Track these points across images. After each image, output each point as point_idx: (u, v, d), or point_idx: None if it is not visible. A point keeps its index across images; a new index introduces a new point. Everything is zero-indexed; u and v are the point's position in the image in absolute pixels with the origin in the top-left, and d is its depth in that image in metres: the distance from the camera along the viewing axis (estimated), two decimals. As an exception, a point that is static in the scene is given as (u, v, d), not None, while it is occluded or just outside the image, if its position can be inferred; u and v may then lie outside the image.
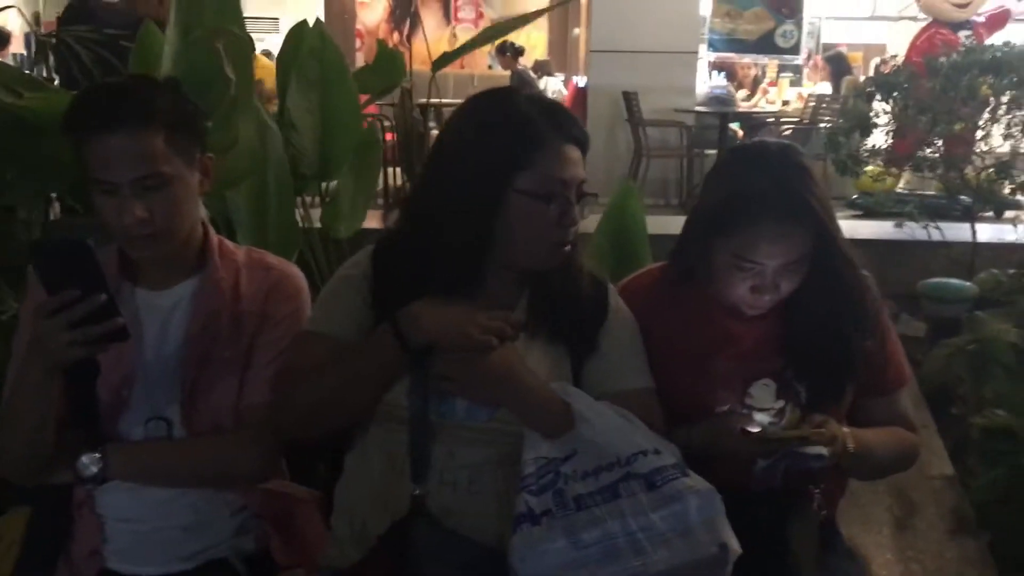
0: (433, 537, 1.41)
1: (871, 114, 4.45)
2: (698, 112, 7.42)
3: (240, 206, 2.34)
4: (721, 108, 7.52)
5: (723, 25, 8.09)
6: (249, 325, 1.62)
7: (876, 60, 8.87)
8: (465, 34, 12.30)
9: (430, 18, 12.45)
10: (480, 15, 12.77)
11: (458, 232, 1.44)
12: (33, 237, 2.51)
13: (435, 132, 3.95)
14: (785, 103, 8.84)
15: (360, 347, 1.45)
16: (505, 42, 9.60)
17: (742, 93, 9.17)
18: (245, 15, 2.33)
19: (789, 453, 1.48)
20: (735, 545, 1.35)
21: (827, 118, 6.70)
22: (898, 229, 4.43)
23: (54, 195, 2.69)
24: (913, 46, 7.07)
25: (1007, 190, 4.43)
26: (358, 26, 12.69)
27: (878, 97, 4.45)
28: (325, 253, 2.61)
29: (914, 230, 4.36)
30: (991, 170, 4.37)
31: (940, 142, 4.42)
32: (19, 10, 4.37)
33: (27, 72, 2.91)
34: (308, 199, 2.81)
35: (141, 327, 1.59)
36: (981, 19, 7.08)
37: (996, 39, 5.13)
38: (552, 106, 1.51)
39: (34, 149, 2.03)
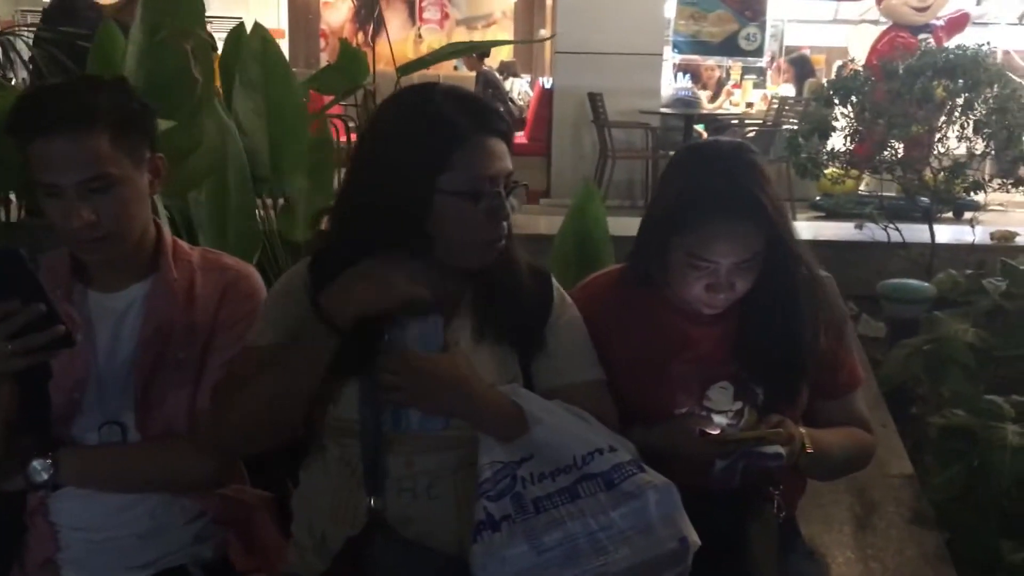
0: (391, 550, 1.39)
1: (830, 117, 4.49)
2: (663, 114, 7.46)
3: (201, 207, 2.32)
4: (686, 110, 7.57)
5: (687, 27, 8.13)
6: (204, 327, 1.60)
7: (838, 63, 8.97)
8: (430, 34, 12.30)
9: (395, 18, 12.41)
10: (445, 16, 12.76)
11: (386, 235, 1.41)
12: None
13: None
14: (749, 105, 8.90)
15: (292, 344, 1.42)
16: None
17: (706, 95, 9.23)
18: (208, 15, 2.30)
19: (747, 453, 1.48)
20: (694, 538, 1.36)
21: (791, 120, 6.76)
22: (858, 230, 4.47)
23: (12, 197, 2.65)
24: (874, 49, 7.15)
25: (960, 190, 4.48)
26: (322, 26, 12.62)
27: (837, 101, 4.49)
28: (286, 255, 2.59)
29: (874, 231, 4.41)
30: (947, 171, 4.43)
31: (898, 145, 4.47)
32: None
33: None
34: (269, 202, 2.78)
35: (94, 330, 1.57)
36: (941, 23, 7.17)
37: (955, 43, 5.20)
38: (472, 100, 1.47)
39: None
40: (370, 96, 3.21)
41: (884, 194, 5.29)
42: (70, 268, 1.58)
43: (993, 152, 4.39)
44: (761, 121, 7.58)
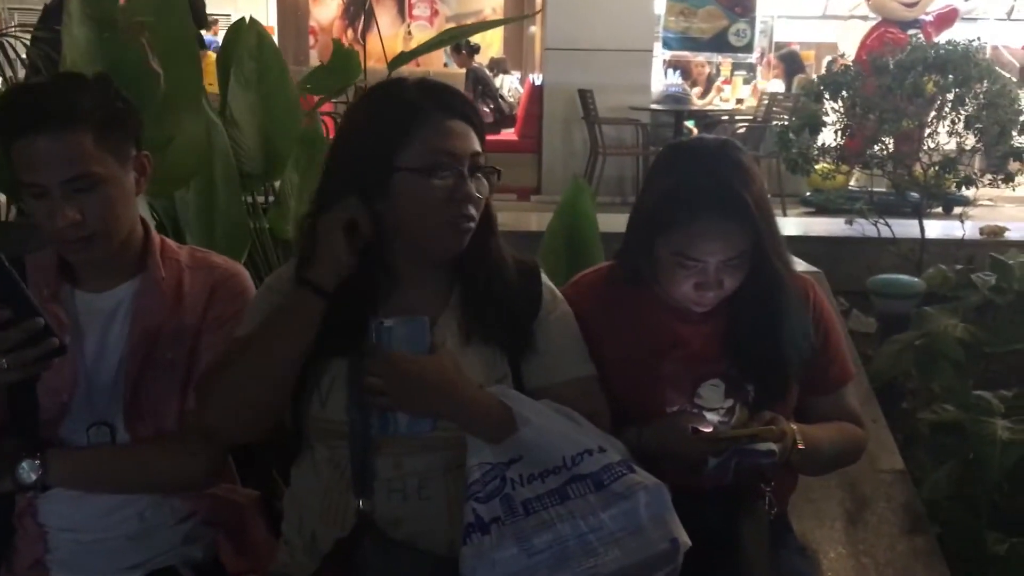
0: (380, 552, 1.38)
1: (820, 113, 4.50)
2: (653, 110, 7.47)
3: (188, 205, 2.30)
4: (676, 106, 7.57)
5: (677, 23, 8.13)
6: (192, 327, 1.59)
7: (828, 58, 8.99)
8: (420, 31, 12.27)
9: (384, 15, 12.38)
10: (435, 12, 12.73)
11: None
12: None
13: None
14: (739, 101, 8.91)
15: (275, 313, 1.42)
16: (460, 40, 9.59)
17: (696, 91, 9.24)
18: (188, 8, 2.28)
19: (739, 450, 1.48)
20: (685, 539, 1.35)
21: (782, 116, 6.77)
22: (848, 226, 4.48)
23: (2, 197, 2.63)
24: (863, 45, 7.17)
25: (952, 185, 4.50)
26: (312, 23, 12.57)
27: (827, 96, 4.49)
28: (276, 253, 2.57)
29: (864, 227, 4.41)
30: (938, 167, 4.44)
31: (889, 140, 4.48)
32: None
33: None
34: (258, 199, 2.77)
35: (81, 330, 1.56)
36: (929, 18, 7.20)
37: (944, 38, 5.21)
38: (438, 86, 1.47)
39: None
40: (361, 93, 3.20)
41: (874, 189, 5.30)
42: (57, 268, 1.57)
43: (983, 147, 4.40)
44: (751, 117, 7.59)
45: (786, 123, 4.87)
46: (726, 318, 1.61)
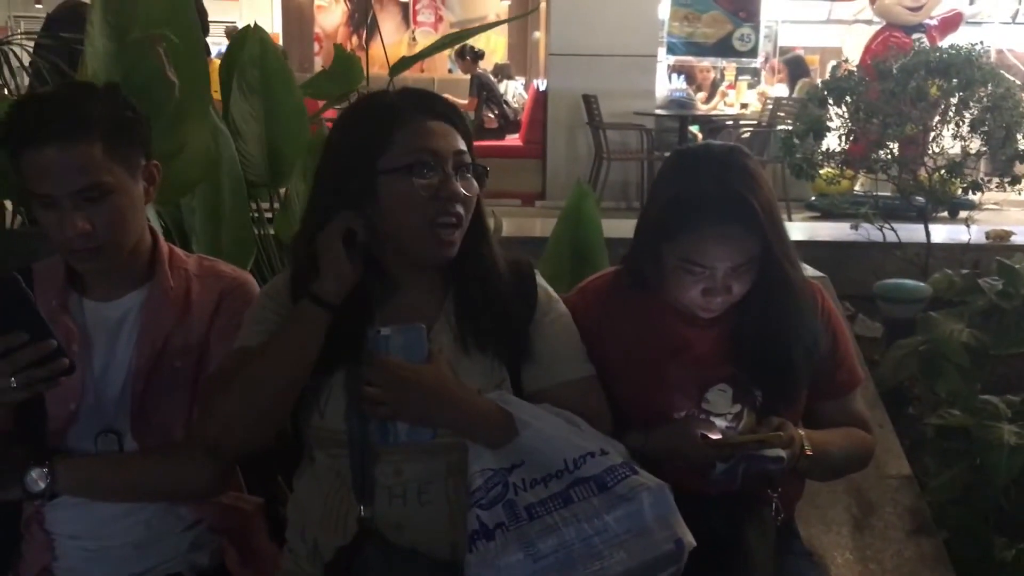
0: (382, 560, 1.38)
1: (825, 117, 4.49)
2: (658, 115, 7.47)
3: (194, 213, 2.31)
4: (680, 111, 7.57)
5: (681, 29, 8.13)
6: (200, 335, 1.59)
7: (832, 63, 8.98)
8: (424, 37, 12.30)
9: (389, 21, 12.42)
10: (439, 18, 12.77)
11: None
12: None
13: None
14: (743, 106, 8.91)
15: (280, 328, 1.42)
16: (465, 46, 9.60)
17: (701, 96, 9.24)
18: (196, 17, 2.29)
19: (747, 456, 1.48)
20: (690, 539, 1.35)
21: (786, 121, 6.76)
22: (854, 231, 4.47)
23: (8, 205, 2.64)
24: (867, 49, 7.16)
25: (959, 190, 4.49)
26: (316, 30, 12.62)
27: (831, 101, 4.49)
28: (281, 260, 2.58)
29: (869, 231, 4.40)
30: (943, 171, 4.43)
31: (894, 144, 4.47)
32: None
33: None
34: (264, 206, 2.78)
35: (90, 339, 1.56)
36: (934, 22, 7.17)
37: (948, 42, 5.20)
38: (418, 91, 1.48)
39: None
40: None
41: (879, 194, 5.29)
42: (65, 277, 1.58)
43: (988, 151, 4.40)
44: (756, 122, 7.59)
45: (790, 128, 4.85)
46: (733, 322, 1.61)
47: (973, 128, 4.29)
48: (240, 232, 2.35)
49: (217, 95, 2.58)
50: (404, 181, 1.38)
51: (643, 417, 1.59)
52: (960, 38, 5.48)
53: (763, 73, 9.68)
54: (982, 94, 4.26)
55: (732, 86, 9.57)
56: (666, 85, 8.62)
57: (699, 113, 8.11)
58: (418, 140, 1.40)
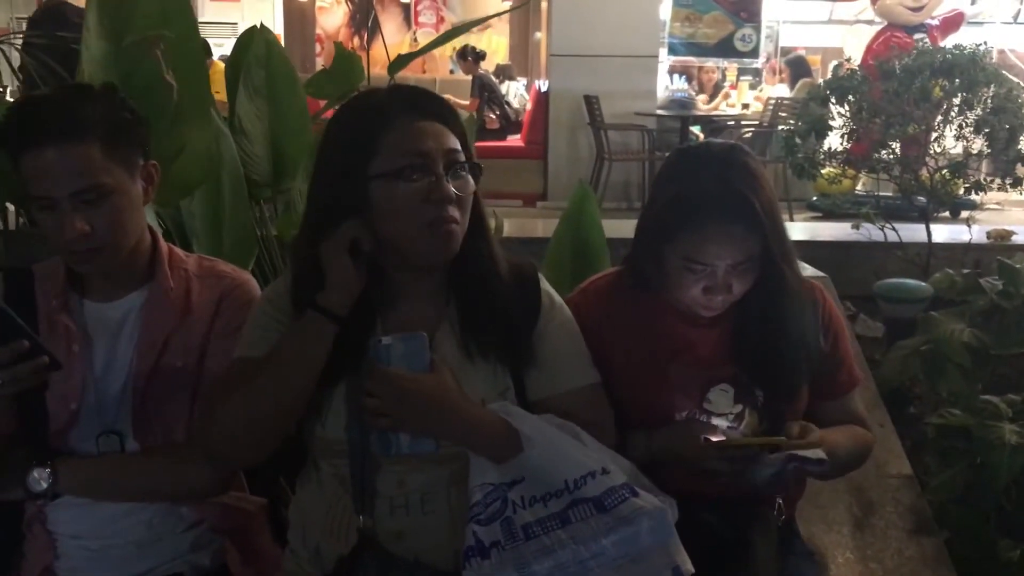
0: (381, 570, 1.37)
1: (827, 117, 4.49)
2: (659, 116, 7.47)
3: (195, 214, 2.31)
4: (681, 111, 7.57)
5: (682, 29, 8.14)
6: (201, 336, 1.59)
7: (834, 63, 8.98)
8: (426, 38, 12.29)
9: (390, 23, 12.43)
10: (441, 19, 12.76)
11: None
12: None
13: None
14: (745, 106, 8.91)
15: (283, 341, 1.40)
16: (466, 47, 9.61)
17: (703, 97, 9.24)
18: (202, 20, 2.29)
19: (792, 458, 1.46)
20: (688, 567, 1.32)
21: (788, 121, 6.76)
22: (855, 230, 4.47)
23: (10, 206, 2.64)
24: (869, 49, 7.16)
25: (961, 190, 4.49)
26: (318, 31, 12.62)
27: (833, 100, 4.49)
28: (283, 260, 2.58)
29: (871, 231, 4.41)
30: (945, 171, 4.43)
31: (895, 144, 4.47)
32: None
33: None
34: (265, 206, 2.78)
35: (90, 340, 1.57)
36: (935, 22, 7.18)
37: (950, 42, 5.21)
38: (407, 90, 1.45)
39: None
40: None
41: (881, 194, 5.30)
42: (65, 278, 1.58)
43: (990, 152, 4.40)
44: (757, 122, 7.59)
45: (792, 128, 4.85)
46: (734, 322, 1.61)
47: (977, 130, 4.29)
48: (241, 232, 2.35)
49: (221, 95, 2.58)
50: (395, 186, 1.36)
51: (645, 417, 1.59)
52: (961, 38, 5.50)
53: (764, 73, 9.68)
54: (985, 95, 4.27)
55: (734, 86, 9.57)
56: (668, 86, 8.62)
57: (700, 114, 8.11)
58: (407, 143, 1.37)
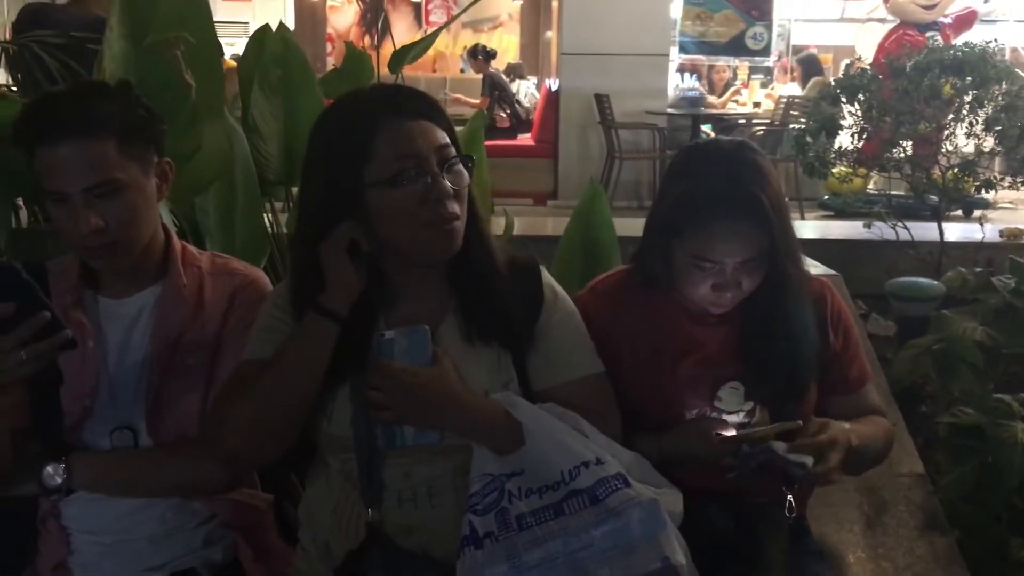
0: (389, 564, 1.38)
1: (838, 116, 4.48)
2: (670, 114, 7.46)
3: (208, 212, 2.32)
4: (692, 109, 7.57)
5: (693, 28, 8.13)
6: (213, 332, 1.60)
7: (846, 61, 8.96)
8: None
9: (401, 21, 12.44)
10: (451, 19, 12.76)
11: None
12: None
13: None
14: (756, 105, 8.89)
15: (288, 343, 1.41)
16: (477, 45, 9.63)
17: (712, 99, 9.23)
18: (213, 19, 2.30)
19: (769, 452, 1.46)
20: (678, 558, 1.31)
21: (799, 120, 6.75)
22: (867, 229, 4.46)
23: (20, 202, 2.66)
24: (881, 47, 7.13)
25: (972, 188, 4.47)
26: (329, 30, 12.65)
27: (844, 99, 4.48)
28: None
29: (883, 230, 4.39)
30: (956, 170, 4.42)
31: (907, 143, 4.46)
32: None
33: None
34: (277, 204, 2.79)
35: (104, 336, 1.58)
36: (948, 20, 7.15)
37: (962, 40, 5.18)
38: (391, 90, 1.45)
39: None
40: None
41: (892, 192, 5.28)
42: (79, 274, 1.59)
43: (1002, 150, 4.38)
44: (769, 121, 7.58)
45: (803, 127, 4.84)
46: (742, 320, 1.61)
47: (988, 128, 4.27)
48: (254, 230, 2.36)
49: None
50: (391, 192, 1.36)
51: (655, 416, 1.59)
52: (974, 36, 5.47)
53: (775, 72, 9.66)
54: (997, 92, 4.25)
55: (745, 85, 9.55)
56: (678, 85, 8.61)
57: (711, 112, 8.09)
58: (397, 146, 1.37)
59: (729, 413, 1.60)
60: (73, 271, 1.59)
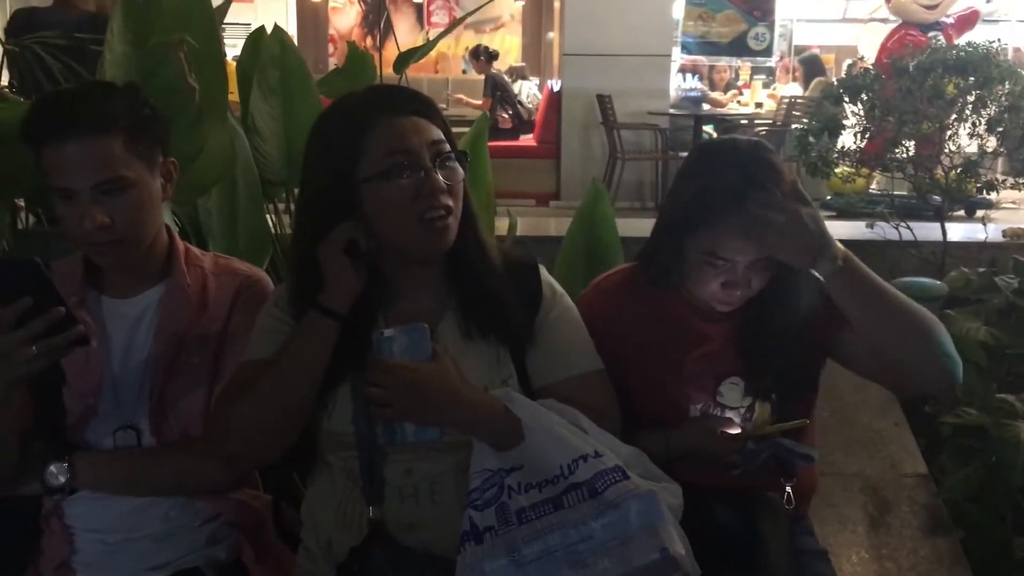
0: (391, 561, 1.39)
1: (840, 116, 4.48)
2: (672, 114, 7.46)
3: (211, 213, 2.33)
4: (694, 108, 7.55)
5: (696, 28, 8.12)
6: (217, 332, 1.61)
7: (848, 61, 8.95)
8: (439, 39, 12.30)
9: (403, 22, 12.45)
10: (454, 19, 12.77)
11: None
12: (2, 247, 2.48)
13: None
14: (758, 105, 8.89)
15: (289, 342, 1.42)
16: (479, 46, 9.63)
17: (717, 95, 9.22)
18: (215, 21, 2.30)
19: (776, 445, 1.47)
20: (677, 549, 1.30)
21: (802, 120, 6.74)
22: (870, 229, 4.46)
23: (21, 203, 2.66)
24: (883, 47, 7.12)
25: (975, 189, 4.46)
26: (331, 31, 12.66)
27: (847, 99, 4.47)
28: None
29: (885, 230, 4.39)
30: (959, 170, 4.41)
31: (910, 143, 4.45)
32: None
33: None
34: (280, 205, 2.79)
35: (108, 336, 1.58)
36: (950, 20, 7.13)
37: (965, 39, 5.17)
38: (384, 89, 1.47)
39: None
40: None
41: (895, 192, 5.27)
42: (83, 274, 1.59)
43: (1005, 150, 4.37)
44: (771, 121, 7.57)
45: (806, 127, 4.83)
46: (745, 316, 1.61)
47: (990, 128, 4.27)
48: (256, 231, 2.36)
49: (232, 95, 2.59)
50: (384, 187, 1.38)
51: (659, 412, 1.59)
52: (977, 36, 5.46)
53: (778, 72, 9.65)
54: (1000, 93, 4.24)
55: (747, 85, 9.55)
56: (680, 85, 8.60)
57: (714, 112, 8.08)
58: (390, 142, 1.38)
59: (730, 408, 1.60)
60: (77, 271, 1.59)
